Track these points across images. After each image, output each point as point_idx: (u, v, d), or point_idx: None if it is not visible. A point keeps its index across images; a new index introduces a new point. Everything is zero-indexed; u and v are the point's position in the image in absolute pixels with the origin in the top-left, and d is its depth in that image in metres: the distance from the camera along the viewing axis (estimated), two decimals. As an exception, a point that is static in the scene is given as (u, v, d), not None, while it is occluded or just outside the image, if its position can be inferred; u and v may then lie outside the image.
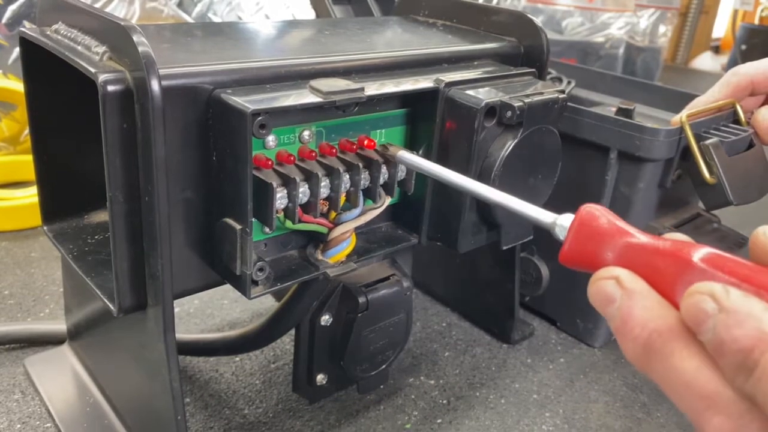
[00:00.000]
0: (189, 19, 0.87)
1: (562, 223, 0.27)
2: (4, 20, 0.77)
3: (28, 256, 0.63)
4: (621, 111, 0.55)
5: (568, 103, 0.56)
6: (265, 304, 0.59)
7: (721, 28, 2.29)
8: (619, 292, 0.24)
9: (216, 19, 0.92)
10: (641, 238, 0.25)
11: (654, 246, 0.24)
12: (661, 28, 1.61)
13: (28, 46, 0.36)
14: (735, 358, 0.21)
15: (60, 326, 0.50)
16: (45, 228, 0.41)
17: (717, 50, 2.26)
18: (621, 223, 0.25)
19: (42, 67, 0.37)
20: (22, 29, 0.36)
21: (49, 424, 0.43)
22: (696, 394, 0.22)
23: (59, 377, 0.47)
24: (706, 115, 0.52)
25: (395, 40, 0.47)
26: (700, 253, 0.23)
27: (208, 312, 0.58)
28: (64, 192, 0.41)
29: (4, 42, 0.76)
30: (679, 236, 0.25)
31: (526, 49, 0.48)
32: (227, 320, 0.57)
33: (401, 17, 0.55)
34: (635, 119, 0.52)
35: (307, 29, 0.47)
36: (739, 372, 0.21)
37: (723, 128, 0.53)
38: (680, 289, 0.23)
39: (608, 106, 0.64)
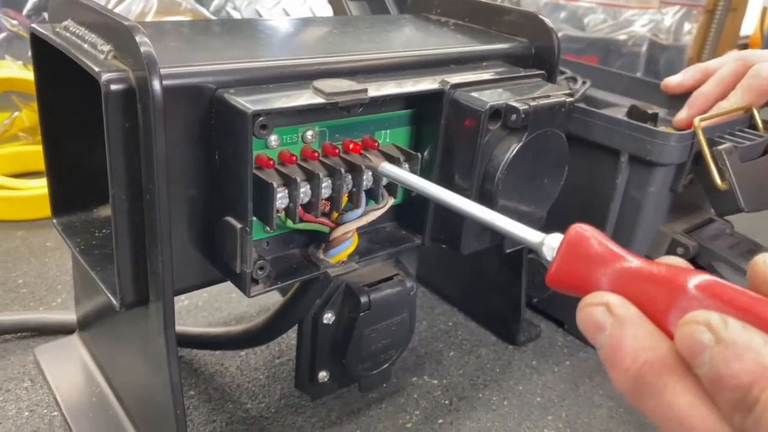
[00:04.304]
0: (206, 13, 0.88)
1: (550, 243, 0.25)
2: (24, 11, 0.78)
3: (42, 245, 0.64)
4: (633, 110, 0.55)
5: (581, 104, 0.56)
6: (273, 298, 0.59)
7: (749, 26, 2.24)
8: (610, 319, 0.22)
9: (234, 13, 0.93)
10: (634, 262, 0.23)
11: (647, 271, 0.23)
12: (686, 26, 1.58)
13: (38, 42, 0.37)
14: (733, 395, 0.19)
15: (70, 316, 0.51)
16: (54, 221, 0.42)
17: (744, 48, 2.22)
18: (612, 246, 0.24)
19: (53, 63, 0.38)
20: (33, 25, 0.37)
21: (56, 413, 0.44)
22: None
23: (68, 367, 0.48)
24: (721, 120, 0.51)
25: (404, 39, 0.47)
26: (696, 279, 0.22)
27: (216, 305, 0.58)
28: (74, 185, 0.42)
29: (24, 33, 0.77)
30: (675, 260, 0.24)
31: (537, 50, 0.47)
32: (235, 314, 0.58)
33: (413, 15, 0.54)
34: (648, 123, 0.51)
35: (316, 28, 0.47)
36: (738, 409, 0.19)
37: (738, 133, 0.52)
38: (675, 317, 0.22)
39: (623, 107, 0.63)
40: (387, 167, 0.36)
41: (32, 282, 0.59)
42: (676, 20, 1.54)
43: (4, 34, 0.77)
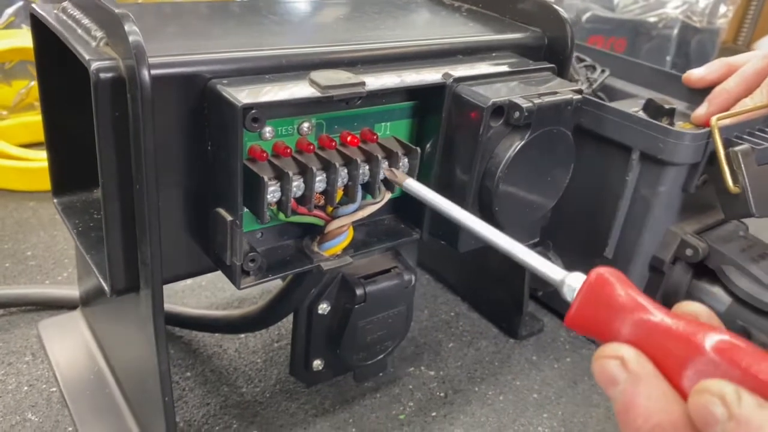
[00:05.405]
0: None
1: (571, 283, 0.25)
2: (41, -19, 0.78)
3: (52, 217, 0.65)
4: (650, 104, 0.53)
5: (600, 94, 0.54)
6: (276, 281, 0.59)
7: (790, 9, 2.16)
8: (624, 374, 0.23)
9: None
10: (654, 314, 0.23)
11: (666, 326, 0.23)
12: (722, 8, 1.52)
13: (38, 21, 0.36)
14: None
15: (74, 291, 0.52)
16: (55, 201, 0.42)
17: (783, 33, 2.14)
18: (634, 293, 0.24)
19: (53, 42, 0.37)
20: (33, 5, 0.37)
21: (54, 389, 0.45)
22: None
23: (68, 343, 0.48)
24: (741, 119, 0.49)
25: (411, 27, 0.45)
26: (713, 340, 0.22)
27: (219, 285, 0.58)
28: (75, 164, 0.42)
29: (41, 3, 0.77)
30: (697, 308, 0.24)
31: (550, 41, 0.46)
32: (237, 295, 0.58)
33: (427, -1, 0.53)
34: (662, 120, 0.50)
35: (323, 13, 0.46)
36: None
37: (758, 133, 0.50)
38: (689, 375, 0.22)
39: (641, 99, 0.61)
40: (412, 184, 0.35)
41: (40, 255, 0.60)
42: (711, 2, 1.49)
43: (20, 3, 0.77)
